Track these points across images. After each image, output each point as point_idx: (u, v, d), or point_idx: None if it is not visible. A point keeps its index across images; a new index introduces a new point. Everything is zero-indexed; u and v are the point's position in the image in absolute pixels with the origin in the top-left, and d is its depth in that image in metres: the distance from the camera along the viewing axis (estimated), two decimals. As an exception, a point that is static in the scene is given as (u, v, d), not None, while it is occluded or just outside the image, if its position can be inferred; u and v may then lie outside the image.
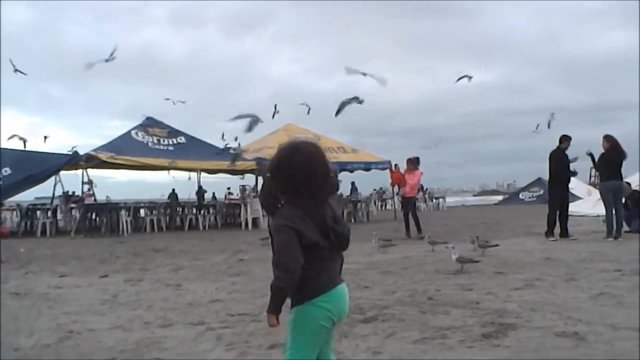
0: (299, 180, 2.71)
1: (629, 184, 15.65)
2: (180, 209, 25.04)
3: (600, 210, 13.70)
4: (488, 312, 5.59)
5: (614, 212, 12.98)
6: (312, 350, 2.75)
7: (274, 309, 2.69)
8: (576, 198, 33.05)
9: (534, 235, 14.75)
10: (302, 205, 2.71)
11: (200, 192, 28.66)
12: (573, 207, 26.00)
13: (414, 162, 16.18)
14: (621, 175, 13.49)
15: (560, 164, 13.72)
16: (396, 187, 18.18)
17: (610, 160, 13.10)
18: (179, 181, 29.22)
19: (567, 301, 6.07)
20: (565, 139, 13.98)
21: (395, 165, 16.88)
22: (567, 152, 13.96)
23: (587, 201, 25.79)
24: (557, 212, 13.68)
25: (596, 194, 15.67)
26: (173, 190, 28.50)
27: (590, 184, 34.66)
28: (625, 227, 13.67)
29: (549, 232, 13.47)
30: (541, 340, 4.53)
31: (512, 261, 9.54)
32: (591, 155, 13.64)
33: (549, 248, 11.43)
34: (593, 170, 25.61)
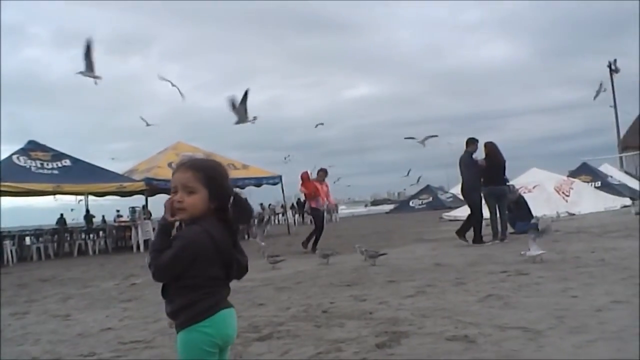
0: (224, 198, 2.67)
1: (513, 187, 16.28)
2: (69, 235, 24.28)
3: (486, 214, 14.13)
4: (381, 322, 5.65)
5: (498, 215, 13.42)
6: None
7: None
8: (463, 202, 34.09)
9: (424, 241, 15.09)
10: (215, 226, 2.65)
11: (89, 216, 27.96)
12: (460, 212, 26.91)
13: (325, 173, 16.19)
14: (503, 179, 13.99)
15: (471, 168, 13.74)
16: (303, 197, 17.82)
17: (491, 166, 13.51)
18: (67, 205, 28.43)
19: (456, 305, 6.22)
20: (471, 142, 13.97)
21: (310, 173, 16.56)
22: (474, 155, 13.94)
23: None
24: (481, 217, 13.69)
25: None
26: (61, 215, 27.75)
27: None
28: (510, 229, 14.19)
29: (478, 239, 13.42)
30: (433, 346, 4.62)
31: (404, 269, 9.72)
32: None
33: (438, 254, 11.72)
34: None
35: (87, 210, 28.46)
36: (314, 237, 15.39)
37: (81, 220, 28.13)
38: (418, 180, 42.25)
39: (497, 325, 5.10)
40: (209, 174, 2.67)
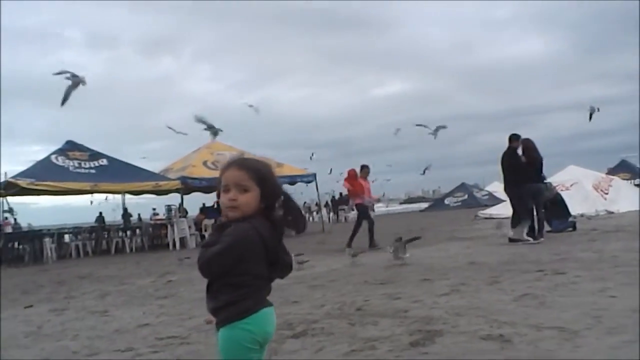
0: (274, 197, 2.70)
1: (550, 184, 16.10)
2: (106, 233, 24.61)
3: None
4: (415, 320, 5.65)
5: (534, 213, 13.26)
6: None
7: None
8: (499, 200, 33.83)
9: (458, 240, 15.02)
10: (263, 225, 2.66)
11: (127, 214, 28.30)
12: (496, 210, 26.72)
13: (368, 170, 16.24)
14: (540, 177, 13.80)
15: (514, 164, 13.43)
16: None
17: (527, 163, 13.33)
18: (104, 204, 28.77)
19: (491, 304, 6.19)
20: (515, 139, 13.66)
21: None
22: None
23: (509, 203, 26.34)
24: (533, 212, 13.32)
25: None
26: (100, 213, 28.08)
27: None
28: (546, 227, 14.05)
29: (538, 235, 13.10)
30: (467, 344, 4.60)
31: (438, 267, 9.69)
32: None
33: (473, 252, 11.66)
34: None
35: (125, 209, 28.80)
36: (369, 233, 15.36)
37: (118, 218, 28.44)
38: (424, 171, 41.41)
39: (532, 324, 5.07)
40: (261, 173, 2.69)
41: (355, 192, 15.57)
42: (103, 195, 26.59)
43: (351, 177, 15.63)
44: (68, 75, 19.24)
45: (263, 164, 2.77)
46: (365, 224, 15.45)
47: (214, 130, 22.82)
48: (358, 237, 14.79)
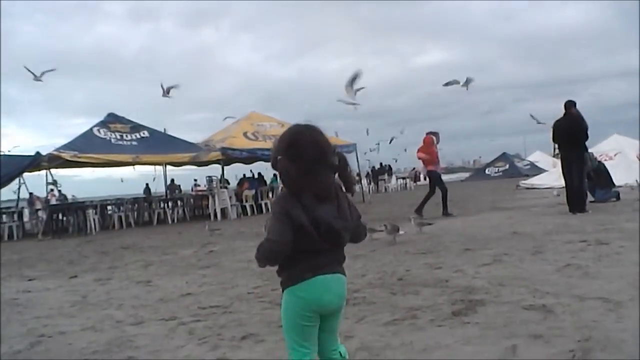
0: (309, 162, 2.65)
1: (592, 154, 15.83)
2: (148, 204, 24.90)
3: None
4: (457, 290, 5.64)
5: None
6: (297, 336, 2.71)
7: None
8: (541, 170, 33.50)
9: (500, 210, 14.91)
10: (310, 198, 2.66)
11: (173, 185, 28.61)
12: (538, 180, 26.47)
13: (438, 137, 16.19)
14: (585, 145, 13.48)
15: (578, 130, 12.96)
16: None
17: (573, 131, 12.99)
18: (144, 175, 29.12)
19: (534, 274, 6.14)
20: (572, 105, 13.17)
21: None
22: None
23: (551, 173, 26.08)
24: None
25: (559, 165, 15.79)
26: (147, 185, 28.41)
27: (554, 155, 35.12)
28: (589, 198, 13.85)
29: (573, 208, 12.73)
30: (510, 314, 4.58)
31: (480, 237, 9.63)
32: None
33: (515, 222, 11.56)
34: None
35: (172, 180, 29.17)
36: (442, 201, 15.42)
37: (160, 189, 28.76)
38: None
39: (575, 295, 5.02)
40: (287, 146, 2.68)
41: (431, 160, 15.54)
42: (143, 167, 26.78)
43: (428, 144, 15.61)
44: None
45: (288, 134, 2.76)
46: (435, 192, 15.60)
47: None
48: (400, 206, 14.75)
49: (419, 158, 16.05)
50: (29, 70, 21.60)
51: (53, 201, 22.65)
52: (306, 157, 2.64)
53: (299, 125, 2.79)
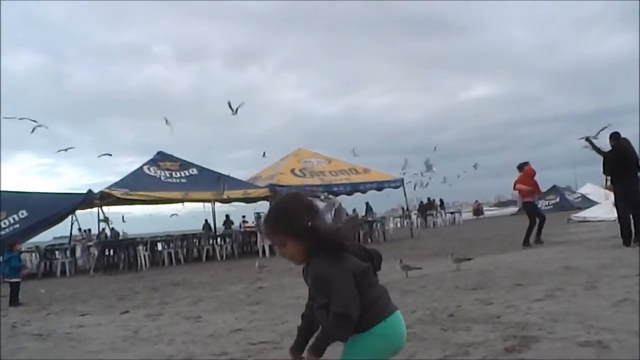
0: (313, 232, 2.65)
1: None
2: (197, 240, 25.09)
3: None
4: (509, 326, 5.55)
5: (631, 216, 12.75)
6: None
7: (320, 352, 2.61)
8: (593, 203, 32.94)
9: (552, 244, 14.68)
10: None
11: (228, 221, 28.87)
12: (590, 213, 26.00)
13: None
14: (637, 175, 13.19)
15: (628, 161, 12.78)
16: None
17: (623, 161, 12.80)
18: (191, 212, 29.30)
19: (589, 310, 6.02)
20: (617, 137, 13.08)
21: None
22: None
23: (603, 205, 25.61)
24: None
25: (612, 197, 15.48)
26: (206, 221, 28.63)
27: (606, 187, 34.52)
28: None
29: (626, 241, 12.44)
30: (564, 351, 4.49)
31: (531, 272, 9.49)
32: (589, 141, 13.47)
33: (567, 257, 11.36)
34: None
35: (227, 216, 29.42)
36: (534, 230, 15.30)
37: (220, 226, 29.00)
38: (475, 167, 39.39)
39: (632, 330, 4.90)
40: (282, 223, 2.69)
41: (531, 192, 15.65)
42: (188, 205, 27.01)
43: (529, 175, 15.62)
44: None
45: (282, 209, 2.76)
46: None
47: None
48: (448, 241, 14.64)
49: (517, 189, 16.04)
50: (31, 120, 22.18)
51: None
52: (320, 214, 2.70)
53: (286, 194, 2.89)
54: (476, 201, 58.93)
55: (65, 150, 24.18)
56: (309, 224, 2.64)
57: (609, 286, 7.42)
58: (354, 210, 29.80)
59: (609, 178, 13.61)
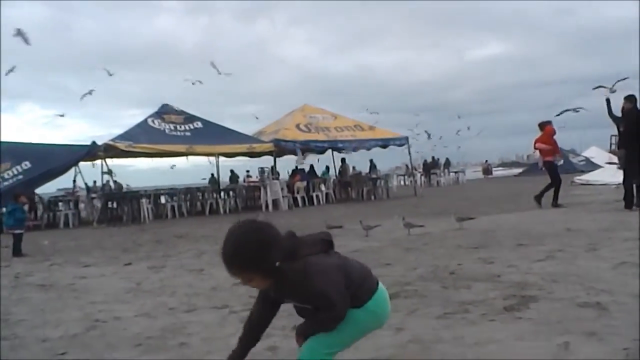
0: (273, 260, 2.65)
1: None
2: (201, 194, 25.19)
3: (621, 178, 13.52)
4: (510, 285, 5.59)
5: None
6: (340, 348, 2.82)
7: (308, 335, 2.77)
8: (597, 166, 32.88)
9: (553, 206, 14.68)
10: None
11: (234, 175, 28.93)
12: (594, 176, 25.97)
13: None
14: None
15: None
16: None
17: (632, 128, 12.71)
18: (196, 165, 29.33)
19: (589, 271, 6.05)
20: (631, 99, 12.76)
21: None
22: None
23: (607, 169, 25.58)
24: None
25: (616, 161, 15.44)
26: (212, 174, 28.69)
27: (610, 151, 34.40)
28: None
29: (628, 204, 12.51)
30: (563, 311, 4.52)
31: (533, 233, 9.52)
32: (608, 101, 13.23)
33: (570, 219, 11.38)
34: (613, 138, 25.10)
35: (232, 171, 29.48)
36: (552, 190, 15.15)
37: (225, 180, 29.03)
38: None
39: (631, 293, 4.92)
40: (247, 264, 2.66)
41: (551, 151, 15.42)
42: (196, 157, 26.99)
43: (549, 134, 15.37)
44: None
45: (244, 249, 2.66)
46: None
47: None
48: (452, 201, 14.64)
49: (538, 148, 15.75)
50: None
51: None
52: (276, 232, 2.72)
53: (245, 225, 2.79)
54: (486, 161, 59.11)
55: (89, 93, 23.90)
56: (277, 263, 2.64)
57: (609, 249, 7.45)
58: (354, 167, 29.82)
59: (615, 142, 13.53)
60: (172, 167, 27.43)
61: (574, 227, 9.95)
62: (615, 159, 16.55)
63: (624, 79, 14.58)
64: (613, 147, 14.61)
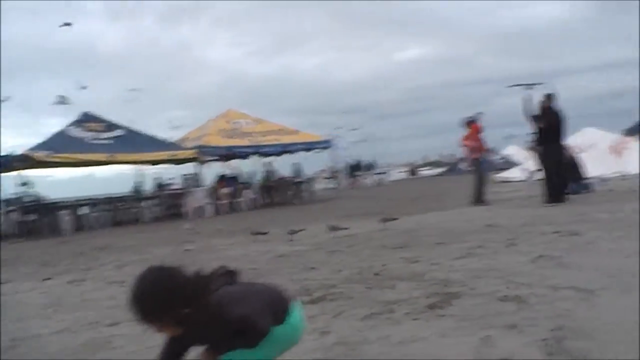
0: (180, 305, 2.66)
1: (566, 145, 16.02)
2: (123, 203, 24.77)
3: (539, 175, 13.97)
4: (433, 283, 5.67)
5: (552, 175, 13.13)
6: None
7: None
8: (516, 164, 33.71)
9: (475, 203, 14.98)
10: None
11: (161, 184, 28.48)
12: (512, 173, 26.63)
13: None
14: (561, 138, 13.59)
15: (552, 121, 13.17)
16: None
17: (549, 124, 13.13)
18: (118, 174, 28.83)
19: (509, 266, 6.19)
20: (549, 98, 13.39)
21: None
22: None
23: (525, 166, 26.26)
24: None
25: (534, 159, 15.92)
26: (136, 183, 28.13)
27: (528, 149, 35.31)
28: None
29: (551, 199, 12.91)
30: (485, 306, 4.61)
31: (455, 231, 9.70)
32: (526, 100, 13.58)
33: (490, 216, 11.64)
34: (531, 136, 25.75)
35: (158, 178, 29.03)
36: (480, 190, 15.24)
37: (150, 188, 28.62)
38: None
39: (549, 285, 5.07)
40: (151, 313, 2.65)
41: (479, 148, 15.47)
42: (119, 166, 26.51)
43: (476, 131, 15.47)
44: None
45: (150, 298, 2.65)
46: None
47: None
48: (376, 201, 14.78)
49: (465, 146, 15.87)
50: None
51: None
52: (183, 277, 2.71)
53: (152, 273, 2.77)
54: (411, 162, 60.16)
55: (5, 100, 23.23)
56: (186, 310, 2.63)
57: (528, 243, 7.65)
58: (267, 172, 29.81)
59: (532, 139, 13.94)
60: (90, 175, 26.87)
61: (494, 223, 10.18)
62: (533, 157, 17.01)
63: (541, 83, 15.03)
64: (531, 145, 15.14)
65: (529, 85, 14.79)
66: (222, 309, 2.65)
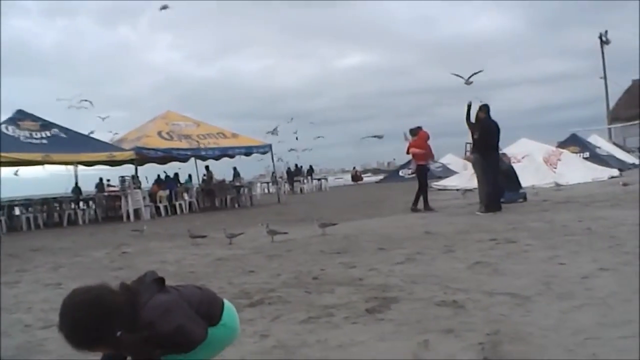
0: (115, 326, 2.58)
1: (504, 154, 16.38)
2: (58, 204, 24.27)
3: (475, 183, 14.24)
4: (371, 288, 5.71)
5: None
6: None
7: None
8: (453, 172, 34.21)
9: (414, 210, 15.13)
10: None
11: (101, 184, 27.99)
12: (450, 181, 27.01)
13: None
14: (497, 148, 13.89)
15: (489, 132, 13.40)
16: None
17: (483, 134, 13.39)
18: (56, 175, 28.24)
19: (446, 272, 6.28)
20: (484, 109, 13.56)
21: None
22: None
23: (462, 175, 26.67)
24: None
25: (471, 167, 16.19)
26: (76, 184, 27.51)
27: (465, 158, 35.84)
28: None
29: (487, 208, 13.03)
30: (422, 311, 4.67)
31: (394, 237, 9.78)
32: (468, 107, 13.74)
33: (429, 222, 11.78)
34: (468, 145, 26.19)
35: (100, 178, 28.50)
36: (423, 196, 15.22)
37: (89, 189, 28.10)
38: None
39: (485, 291, 5.17)
40: (83, 341, 2.59)
41: (425, 155, 15.52)
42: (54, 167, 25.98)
43: (423, 139, 15.44)
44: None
45: (80, 325, 2.56)
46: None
47: None
48: (316, 207, 14.82)
49: (412, 153, 15.80)
50: None
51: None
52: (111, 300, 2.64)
53: (76, 302, 2.67)
54: (354, 168, 60.36)
55: None
56: (118, 333, 2.57)
57: (464, 250, 7.78)
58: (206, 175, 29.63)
59: (469, 149, 14.21)
60: (16, 173, 26.27)
61: (432, 230, 10.31)
62: (469, 165, 17.34)
63: (479, 72, 15.35)
64: (467, 154, 15.43)
65: (468, 79, 15.12)
66: (155, 325, 2.58)
